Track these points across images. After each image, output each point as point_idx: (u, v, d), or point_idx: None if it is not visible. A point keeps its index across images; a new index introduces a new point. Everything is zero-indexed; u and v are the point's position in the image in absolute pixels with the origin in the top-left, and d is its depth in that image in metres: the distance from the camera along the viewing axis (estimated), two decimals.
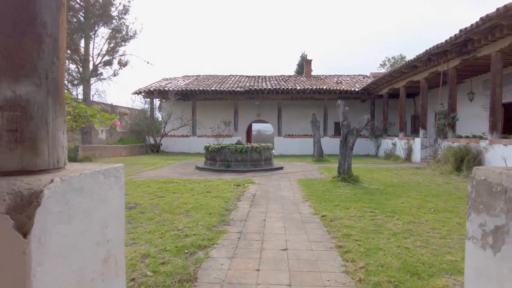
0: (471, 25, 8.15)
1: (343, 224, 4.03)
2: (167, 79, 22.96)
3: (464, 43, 9.48)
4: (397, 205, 5.16)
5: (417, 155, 13.22)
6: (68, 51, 13.64)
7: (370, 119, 7.48)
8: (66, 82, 14.60)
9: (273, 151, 13.40)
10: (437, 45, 10.07)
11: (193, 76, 24.02)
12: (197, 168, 10.43)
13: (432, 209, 4.86)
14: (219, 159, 10.12)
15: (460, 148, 9.34)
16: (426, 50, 10.83)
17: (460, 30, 8.66)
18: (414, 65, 12.78)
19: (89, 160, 12.17)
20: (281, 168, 10.61)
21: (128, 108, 27.57)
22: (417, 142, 13.28)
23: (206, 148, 10.56)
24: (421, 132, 13.28)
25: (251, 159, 10.03)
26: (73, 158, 11.55)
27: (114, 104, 27.14)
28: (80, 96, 14.53)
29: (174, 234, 3.57)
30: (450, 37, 9.26)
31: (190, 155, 16.98)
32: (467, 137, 10.28)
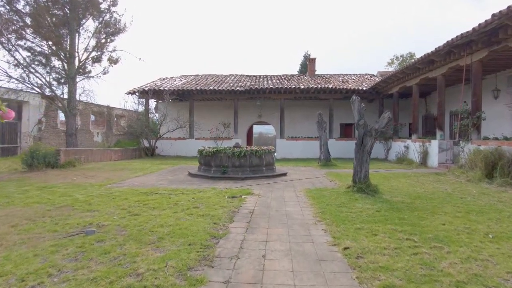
0: (508, 7, 6.95)
1: (377, 263, 2.82)
2: (163, 79, 21.85)
3: (493, 31, 8.26)
4: (438, 228, 3.94)
5: (434, 159, 11.98)
6: (53, 47, 12.51)
7: (391, 117, 6.27)
8: (51, 80, 13.49)
9: (275, 154, 12.22)
10: (461, 34, 8.86)
11: (191, 75, 22.90)
12: (190, 174, 9.23)
13: (490, 235, 3.64)
14: (214, 165, 8.92)
15: (491, 152, 8.10)
16: (447, 41, 9.61)
17: (493, 15, 7.45)
18: (430, 60, 11.56)
19: (72, 166, 11.01)
20: (285, 174, 9.40)
21: (126, 110, 26.47)
22: (434, 145, 12.05)
23: (200, 152, 9.37)
24: (438, 133, 12.04)
25: (251, 164, 8.83)
26: (53, 164, 10.40)
27: (111, 106, 26.13)
28: (65, 96, 13.31)
29: (127, 286, 2.37)
30: (479, 24, 8.05)
31: (186, 159, 15.80)
32: (497, 139, 9.04)
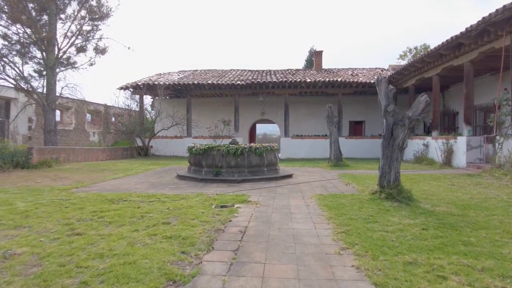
0: None
1: None
2: (160, 74, 20.51)
3: None
4: None
5: (461, 159, 10.43)
6: (33, 35, 11.15)
7: (429, 102, 4.78)
8: (31, 71, 12.18)
9: (279, 154, 10.83)
10: (503, 6, 7.34)
11: (189, 71, 21.52)
12: (178, 176, 7.80)
13: None
14: (205, 165, 7.48)
15: None
16: (484, 18, 8.08)
17: None
18: (457, 44, 10.02)
19: (47, 166, 9.65)
20: (290, 176, 7.94)
21: (124, 109, 25.18)
22: (460, 142, 10.50)
23: (190, 149, 7.94)
24: (466, 129, 10.49)
25: (249, 164, 7.37)
26: (23, 164, 9.05)
27: (108, 104, 24.84)
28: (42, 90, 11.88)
29: None
30: None
31: (181, 159, 14.38)
32: None
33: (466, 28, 8.91)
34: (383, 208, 4.31)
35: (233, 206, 4.53)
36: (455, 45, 10.13)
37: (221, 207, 4.49)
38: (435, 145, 12.05)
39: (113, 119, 26.49)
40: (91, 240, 3.04)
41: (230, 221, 3.73)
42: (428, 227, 3.44)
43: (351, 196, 5.17)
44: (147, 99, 20.96)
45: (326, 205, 4.55)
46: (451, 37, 9.79)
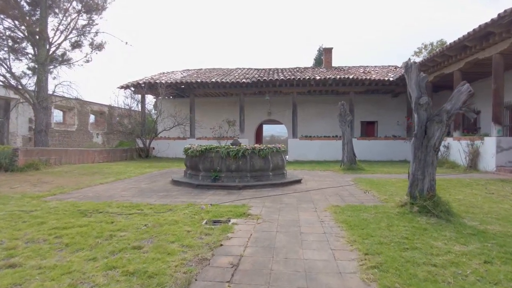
0: None
1: None
2: (163, 73, 19.78)
3: None
4: None
5: (489, 161, 9.37)
6: (19, 24, 10.38)
7: (472, 92, 3.81)
8: (27, 69, 11.53)
9: (287, 156, 9.94)
10: None
11: (193, 69, 20.76)
12: (172, 181, 6.94)
13: None
14: (202, 168, 6.60)
15: None
16: None
17: None
18: (486, 33, 8.97)
19: (34, 168, 8.91)
20: (299, 181, 7.00)
21: (127, 109, 24.52)
22: (489, 143, 9.43)
23: (186, 151, 7.07)
24: (495, 129, 9.42)
25: (252, 167, 6.46)
26: (7, 166, 8.33)
27: (112, 105, 24.26)
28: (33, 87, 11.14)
29: None
30: None
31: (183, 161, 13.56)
32: None
33: (499, 14, 7.88)
34: (418, 226, 3.37)
35: (229, 221, 3.63)
36: (483, 34, 9.07)
37: (214, 222, 3.60)
38: (458, 147, 10.98)
39: (117, 119, 25.94)
40: (22, 276, 2.19)
41: (221, 245, 2.83)
42: (491, 258, 2.50)
43: (375, 208, 4.22)
44: (149, 99, 20.31)
45: (345, 221, 3.61)
46: (479, 26, 8.75)
